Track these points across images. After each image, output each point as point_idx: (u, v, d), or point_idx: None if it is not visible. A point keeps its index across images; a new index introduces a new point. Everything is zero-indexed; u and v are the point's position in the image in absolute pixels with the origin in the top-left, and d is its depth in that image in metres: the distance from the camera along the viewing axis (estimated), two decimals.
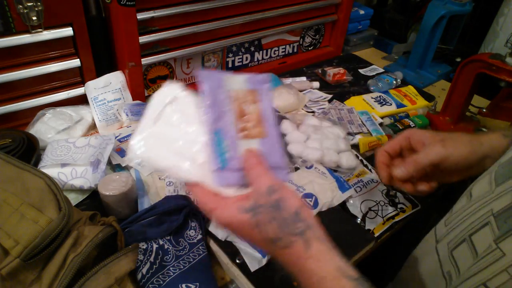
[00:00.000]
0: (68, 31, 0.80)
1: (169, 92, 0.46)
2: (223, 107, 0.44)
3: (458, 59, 1.30)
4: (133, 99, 0.95)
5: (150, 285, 0.58)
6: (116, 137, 0.83)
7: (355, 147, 0.91)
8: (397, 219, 0.74)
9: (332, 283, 0.36)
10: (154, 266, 0.60)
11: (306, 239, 0.38)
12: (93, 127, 0.90)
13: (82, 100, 0.91)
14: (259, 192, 0.40)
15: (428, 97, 1.14)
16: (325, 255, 0.37)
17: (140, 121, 0.45)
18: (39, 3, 0.73)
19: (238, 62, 1.15)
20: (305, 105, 1.06)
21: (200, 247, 0.64)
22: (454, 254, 0.47)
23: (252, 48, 1.15)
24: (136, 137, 0.44)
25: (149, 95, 1.01)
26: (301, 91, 1.10)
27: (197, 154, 0.43)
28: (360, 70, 1.27)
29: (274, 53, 1.22)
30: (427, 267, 0.54)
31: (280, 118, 0.90)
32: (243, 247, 0.64)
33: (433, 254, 0.52)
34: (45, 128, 0.82)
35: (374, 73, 1.26)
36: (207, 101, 0.44)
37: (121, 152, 0.80)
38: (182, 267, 0.61)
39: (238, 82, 0.47)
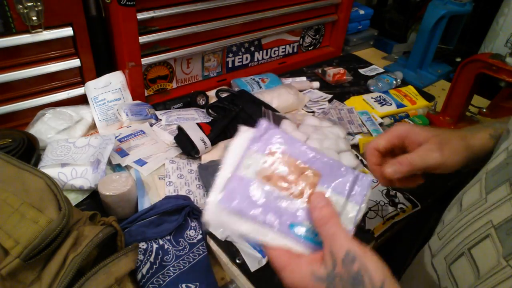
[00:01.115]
0: (68, 31, 0.80)
1: (245, 142, 0.43)
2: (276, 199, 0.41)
3: (458, 59, 1.30)
4: (133, 99, 0.95)
5: (150, 285, 0.58)
6: (116, 137, 0.83)
7: (355, 147, 0.92)
8: (397, 219, 0.74)
9: None
10: (154, 266, 0.60)
11: None
12: (93, 127, 0.90)
13: (82, 100, 0.91)
14: (336, 257, 0.36)
15: (428, 97, 1.14)
16: None
17: (217, 175, 0.42)
18: (39, 3, 0.73)
19: (238, 62, 1.15)
20: (305, 105, 1.06)
21: (200, 247, 0.64)
22: (452, 269, 0.45)
23: (252, 48, 1.15)
24: (214, 194, 0.41)
25: (149, 95, 1.01)
26: (301, 91, 1.10)
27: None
28: (360, 70, 1.27)
29: (274, 53, 1.22)
30: (424, 284, 0.52)
31: (280, 118, 0.90)
32: (243, 247, 0.64)
33: (431, 270, 0.50)
34: (45, 128, 0.82)
35: (374, 73, 1.26)
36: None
37: (121, 152, 0.80)
38: (182, 267, 0.61)
39: (253, 155, 0.42)
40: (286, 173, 0.42)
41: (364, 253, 0.36)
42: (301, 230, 0.40)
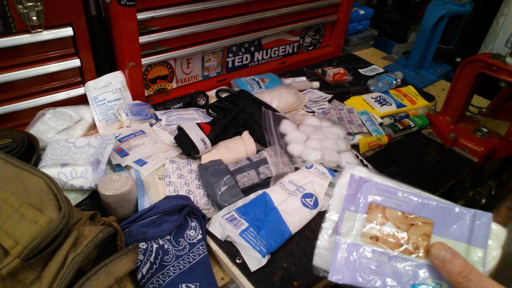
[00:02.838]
0: (68, 31, 0.80)
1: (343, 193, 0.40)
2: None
3: (458, 59, 1.30)
4: (133, 99, 0.95)
5: (150, 285, 0.58)
6: (116, 137, 0.83)
7: (355, 147, 0.92)
8: None
9: None
10: (154, 266, 0.60)
11: None
12: (93, 127, 0.90)
13: (82, 100, 0.91)
14: None
15: (428, 97, 1.14)
16: None
17: (326, 216, 0.40)
18: (39, 3, 0.73)
19: (238, 62, 1.15)
20: (305, 105, 1.06)
21: (200, 247, 0.64)
22: None
23: (252, 48, 1.15)
24: (322, 238, 0.39)
25: (149, 95, 1.01)
26: (301, 91, 1.10)
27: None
28: (360, 70, 1.27)
29: (274, 53, 1.22)
30: None
31: (280, 118, 0.90)
32: (243, 247, 0.64)
33: None
34: (45, 128, 0.82)
35: (374, 73, 1.26)
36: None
37: (121, 152, 0.80)
38: (182, 267, 0.61)
39: (352, 216, 0.39)
40: (394, 229, 0.39)
41: None
42: None
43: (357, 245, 0.38)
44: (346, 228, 0.39)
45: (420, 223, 0.38)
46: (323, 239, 0.39)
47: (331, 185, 0.41)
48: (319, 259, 0.39)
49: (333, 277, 0.38)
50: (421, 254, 0.38)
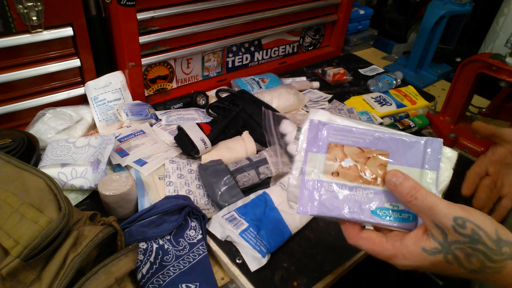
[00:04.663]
0: (68, 31, 0.80)
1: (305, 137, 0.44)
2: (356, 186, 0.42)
3: (458, 59, 1.30)
4: (133, 99, 0.95)
5: (150, 285, 0.58)
6: (116, 137, 0.83)
7: None
8: None
9: None
10: (154, 266, 0.60)
11: None
12: (93, 127, 0.90)
13: (82, 100, 0.91)
14: (444, 226, 0.36)
15: (428, 97, 1.14)
16: None
17: (295, 157, 0.44)
18: (39, 3, 0.73)
19: (238, 62, 1.15)
20: (305, 105, 1.06)
21: (200, 247, 0.64)
22: None
23: (252, 48, 1.15)
24: (293, 178, 0.43)
25: (149, 95, 1.01)
26: (301, 91, 1.10)
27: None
28: (360, 70, 1.28)
29: (274, 53, 1.22)
30: None
31: (280, 118, 0.90)
32: (243, 247, 0.64)
33: None
34: (45, 128, 0.82)
35: (374, 73, 1.26)
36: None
37: (121, 152, 0.80)
38: (182, 267, 0.61)
39: (314, 157, 0.43)
40: (352, 163, 0.42)
41: (469, 213, 0.36)
42: (384, 213, 0.41)
43: (320, 181, 0.42)
44: (310, 168, 0.43)
45: (376, 155, 0.42)
46: (293, 179, 0.43)
47: (299, 129, 0.44)
48: (291, 195, 0.43)
49: (300, 210, 0.42)
50: (378, 183, 0.42)
